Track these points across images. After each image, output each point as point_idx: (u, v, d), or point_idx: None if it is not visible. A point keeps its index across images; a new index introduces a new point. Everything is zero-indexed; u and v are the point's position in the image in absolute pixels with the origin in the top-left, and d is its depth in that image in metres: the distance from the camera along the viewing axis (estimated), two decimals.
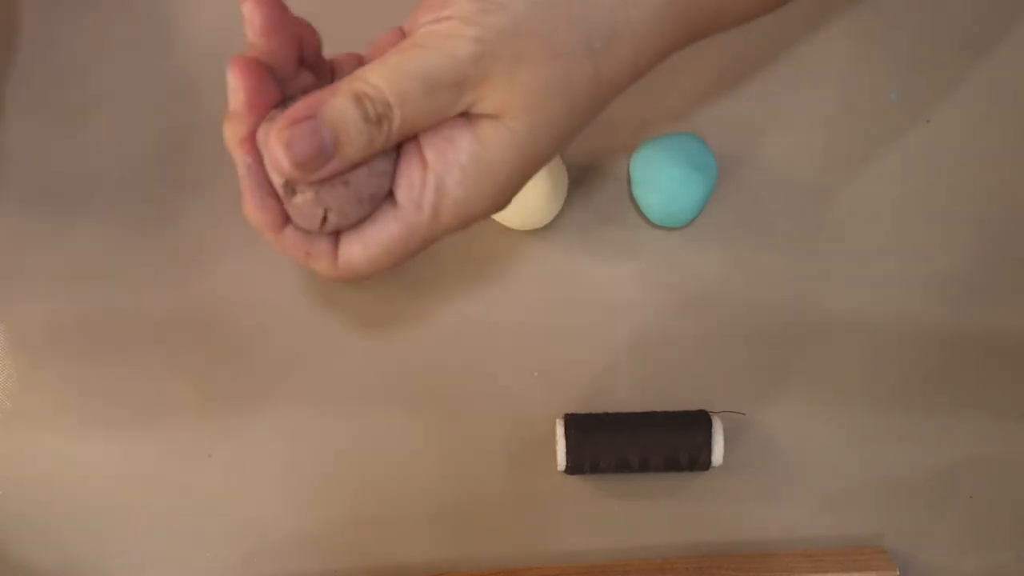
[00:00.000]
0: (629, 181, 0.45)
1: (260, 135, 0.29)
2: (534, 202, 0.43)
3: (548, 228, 0.46)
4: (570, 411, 0.45)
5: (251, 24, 0.28)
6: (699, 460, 0.43)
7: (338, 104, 0.27)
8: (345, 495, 0.46)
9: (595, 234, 0.46)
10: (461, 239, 0.46)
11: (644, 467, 0.43)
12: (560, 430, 0.43)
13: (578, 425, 0.43)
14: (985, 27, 0.46)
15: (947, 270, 0.46)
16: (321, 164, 0.27)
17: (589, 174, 0.46)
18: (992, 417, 0.46)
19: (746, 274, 0.46)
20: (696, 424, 0.43)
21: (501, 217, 0.44)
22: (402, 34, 0.32)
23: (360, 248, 0.29)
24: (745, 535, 0.46)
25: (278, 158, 0.27)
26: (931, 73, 0.46)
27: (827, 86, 0.46)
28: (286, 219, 0.29)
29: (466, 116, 0.28)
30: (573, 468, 0.43)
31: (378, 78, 0.27)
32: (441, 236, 0.30)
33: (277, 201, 0.29)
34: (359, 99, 0.27)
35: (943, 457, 0.46)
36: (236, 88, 0.28)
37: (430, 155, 0.28)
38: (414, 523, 0.46)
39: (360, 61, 0.32)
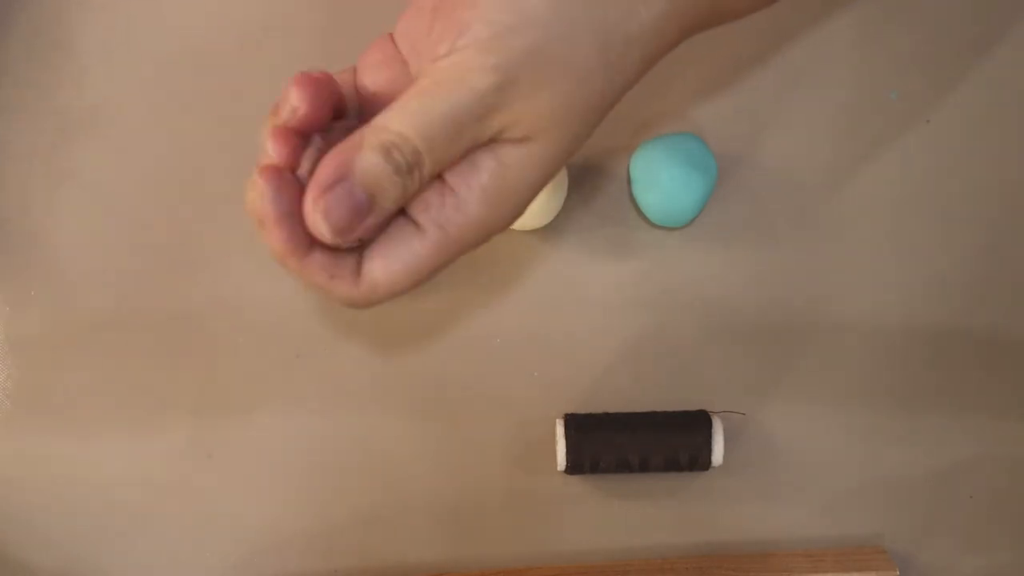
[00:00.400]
0: (629, 181, 0.45)
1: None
2: (534, 202, 0.43)
3: (548, 228, 0.46)
4: (570, 411, 0.45)
5: (295, 103, 0.28)
6: (699, 460, 0.43)
7: (368, 160, 0.26)
8: (345, 495, 0.46)
9: (595, 234, 0.46)
10: None
11: (644, 467, 0.43)
12: (560, 430, 0.43)
13: (578, 425, 0.43)
14: (985, 27, 0.46)
15: (947, 270, 0.46)
16: (359, 224, 0.27)
17: (589, 174, 0.46)
18: (992, 417, 0.46)
19: (746, 274, 0.46)
20: (696, 424, 0.43)
21: None
22: (391, 42, 0.32)
23: (381, 266, 0.28)
24: (745, 535, 0.46)
25: (319, 229, 0.26)
26: (931, 73, 0.46)
27: (827, 86, 0.46)
28: (311, 243, 0.28)
29: (491, 141, 0.28)
30: (573, 468, 0.43)
31: (402, 125, 0.26)
32: (461, 254, 0.29)
33: (304, 226, 0.28)
34: (388, 151, 0.26)
35: (943, 457, 0.46)
36: (276, 154, 0.27)
37: (452, 179, 0.28)
38: (414, 523, 0.46)
39: (352, 76, 0.32)
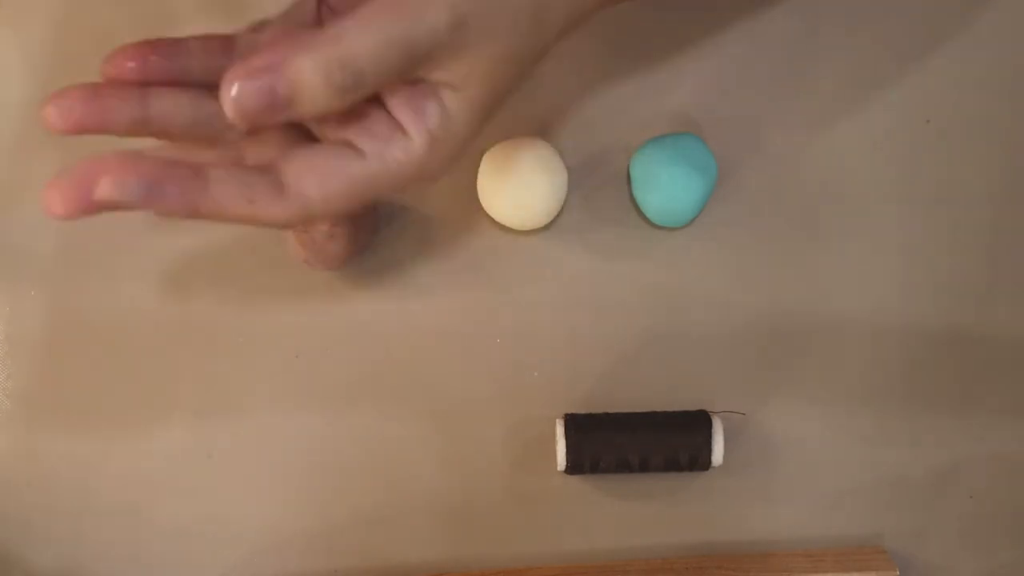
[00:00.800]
0: (629, 181, 0.45)
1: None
2: (534, 202, 0.43)
3: (548, 228, 0.46)
4: (570, 411, 0.45)
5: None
6: (699, 460, 0.43)
7: (306, 68, 0.26)
8: (345, 495, 0.46)
9: (595, 234, 0.46)
10: (461, 239, 0.46)
11: (644, 467, 0.43)
12: (560, 430, 0.43)
13: (578, 425, 0.43)
14: (985, 27, 0.46)
15: (947, 270, 0.46)
16: (269, 119, 0.26)
17: (589, 174, 0.46)
18: (992, 417, 0.46)
19: (746, 274, 0.46)
20: (696, 424, 0.43)
21: (501, 217, 0.44)
22: None
23: (316, 183, 0.29)
24: (745, 535, 0.46)
25: (226, 103, 0.26)
26: (931, 73, 0.46)
27: (827, 86, 0.46)
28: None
29: (427, 83, 0.28)
30: (573, 468, 0.43)
31: (359, 43, 0.26)
32: (390, 191, 0.30)
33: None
34: (330, 69, 0.26)
35: (943, 457, 0.46)
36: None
37: (402, 118, 0.28)
38: (414, 523, 0.46)
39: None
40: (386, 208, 0.46)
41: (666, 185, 0.43)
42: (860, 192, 0.46)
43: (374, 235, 0.46)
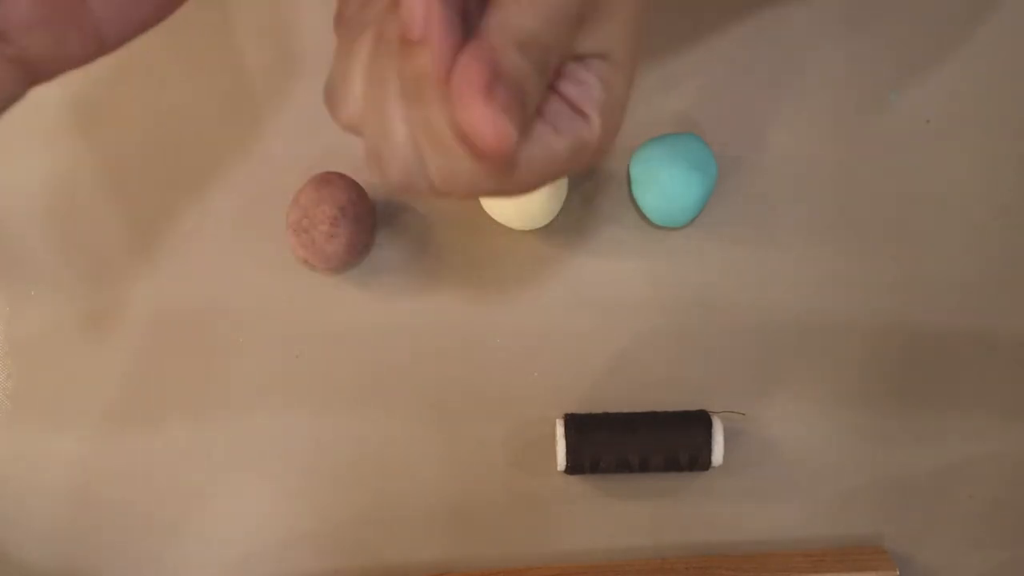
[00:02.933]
0: (629, 181, 0.45)
1: None
2: (534, 202, 0.43)
3: (548, 228, 0.46)
4: (570, 411, 0.45)
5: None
6: (699, 460, 0.43)
7: (512, 60, 0.24)
8: (345, 495, 0.46)
9: (595, 234, 0.46)
10: (461, 239, 0.46)
11: (644, 467, 0.43)
12: (560, 430, 0.43)
13: (578, 425, 0.43)
14: (985, 26, 0.46)
15: (947, 270, 0.46)
16: (522, 126, 0.25)
17: (589, 174, 0.46)
18: (992, 417, 0.46)
19: (746, 274, 0.46)
20: (696, 424, 0.43)
21: (501, 217, 0.44)
22: None
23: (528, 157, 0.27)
24: (745, 535, 0.46)
25: (496, 129, 0.24)
26: (931, 73, 0.46)
27: (827, 86, 0.46)
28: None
29: (581, 62, 0.28)
30: (573, 468, 0.43)
31: (527, 20, 0.25)
32: (577, 168, 0.29)
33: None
34: (525, 48, 0.25)
35: (943, 457, 0.46)
36: None
37: (576, 99, 0.28)
38: (414, 523, 0.46)
39: None
40: (386, 208, 0.46)
41: (666, 185, 0.43)
42: (860, 192, 0.46)
43: (374, 235, 0.46)
